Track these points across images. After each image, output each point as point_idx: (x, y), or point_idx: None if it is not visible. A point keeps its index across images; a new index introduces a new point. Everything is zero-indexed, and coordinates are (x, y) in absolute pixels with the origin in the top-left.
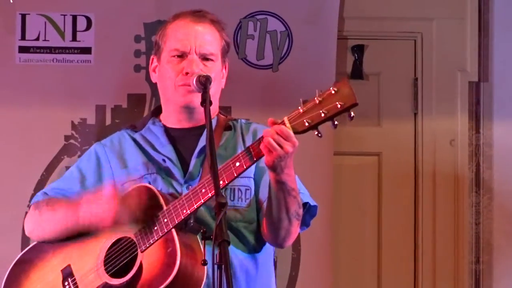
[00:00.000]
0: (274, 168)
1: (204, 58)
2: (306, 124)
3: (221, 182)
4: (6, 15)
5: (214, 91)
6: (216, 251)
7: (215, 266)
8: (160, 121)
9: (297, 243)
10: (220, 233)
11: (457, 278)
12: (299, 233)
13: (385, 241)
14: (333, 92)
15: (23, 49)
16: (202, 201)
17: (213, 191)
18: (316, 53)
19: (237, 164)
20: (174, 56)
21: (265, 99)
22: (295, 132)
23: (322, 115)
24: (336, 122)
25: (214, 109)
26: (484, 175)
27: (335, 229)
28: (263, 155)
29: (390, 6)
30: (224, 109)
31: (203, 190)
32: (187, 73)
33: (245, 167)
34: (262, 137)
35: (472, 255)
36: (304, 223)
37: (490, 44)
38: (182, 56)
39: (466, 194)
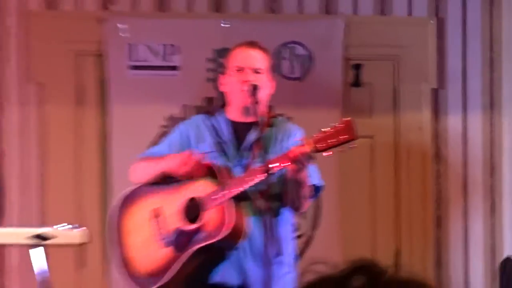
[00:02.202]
0: (293, 172)
1: (256, 71)
2: (321, 147)
3: (260, 176)
4: (120, 45)
5: (263, 96)
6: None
7: (264, 217)
8: (225, 113)
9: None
10: (267, 191)
11: (425, 221)
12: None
13: (379, 199)
14: (341, 127)
15: (132, 67)
16: (249, 185)
17: (256, 180)
18: (329, 69)
19: (273, 164)
20: (236, 70)
21: (295, 100)
22: (312, 151)
23: (332, 142)
24: (341, 149)
25: (263, 108)
26: (442, 151)
27: (343, 192)
28: (286, 165)
29: (377, 37)
30: (270, 107)
31: (249, 178)
32: (244, 81)
33: (278, 169)
34: (289, 151)
35: (435, 203)
36: (313, 197)
37: (445, 62)
38: (241, 70)
39: (429, 164)
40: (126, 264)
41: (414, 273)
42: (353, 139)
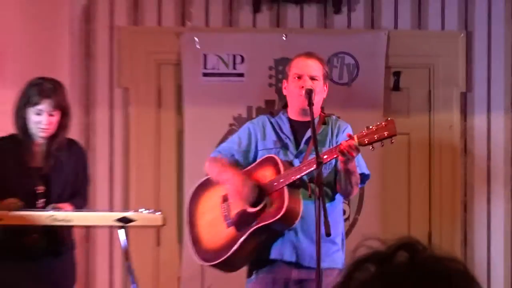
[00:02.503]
0: (344, 162)
1: (312, 78)
2: (366, 142)
3: (314, 166)
4: (194, 55)
5: (318, 99)
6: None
7: (318, 200)
8: (286, 113)
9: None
10: (319, 179)
11: (453, 206)
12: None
13: (414, 187)
14: (383, 125)
15: (205, 74)
16: (303, 174)
17: (310, 169)
18: (372, 76)
19: (325, 156)
20: (295, 77)
21: (344, 102)
22: (357, 145)
23: (375, 137)
24: (382, 144)
25: (318, 109)
26: (469, 146)
27: (383, 181)
28: (337, 156)
29: (414, 48)
30: (322, 108)
31: (304, 168)
32: (302, 87)
33: (329, 160)
34: (339, 144)
35: (462, 191)
36: (361, 184)
37: (473, 69)
38: (300, 77)
39: (458, 158)
40: (196, 242)
41: (449, 252)
42: (393, 135)
